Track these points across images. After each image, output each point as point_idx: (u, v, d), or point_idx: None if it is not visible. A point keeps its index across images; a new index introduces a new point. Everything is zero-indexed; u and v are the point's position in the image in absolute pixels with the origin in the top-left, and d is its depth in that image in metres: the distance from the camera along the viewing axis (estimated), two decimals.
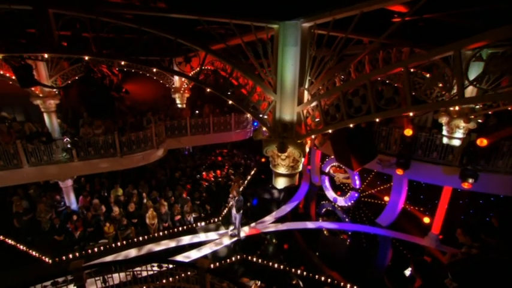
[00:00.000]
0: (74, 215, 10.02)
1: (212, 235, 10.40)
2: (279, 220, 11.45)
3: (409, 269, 3.52)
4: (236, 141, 15.59)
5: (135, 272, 4.42)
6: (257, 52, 5.37)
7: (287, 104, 5.58)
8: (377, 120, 4.60)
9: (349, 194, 12.31)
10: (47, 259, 8.86)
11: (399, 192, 10.46)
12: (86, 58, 6.00)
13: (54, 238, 9.64)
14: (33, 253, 9.02)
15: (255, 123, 14.90)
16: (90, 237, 9.99)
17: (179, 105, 13.33)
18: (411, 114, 4.28)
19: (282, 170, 5.89)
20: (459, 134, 7.94)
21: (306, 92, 5.53)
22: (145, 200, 11.25)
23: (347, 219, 11.77)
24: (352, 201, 12.22)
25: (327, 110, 5.11)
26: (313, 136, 5.69)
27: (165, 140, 11.96)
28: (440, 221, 9.42)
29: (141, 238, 10.15)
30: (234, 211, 9.92)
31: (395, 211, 10.71)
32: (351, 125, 4.80)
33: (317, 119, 5.42)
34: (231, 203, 9.81)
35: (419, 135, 8.19)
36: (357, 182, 11.84)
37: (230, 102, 6.11)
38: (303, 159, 5.82)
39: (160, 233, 10.49)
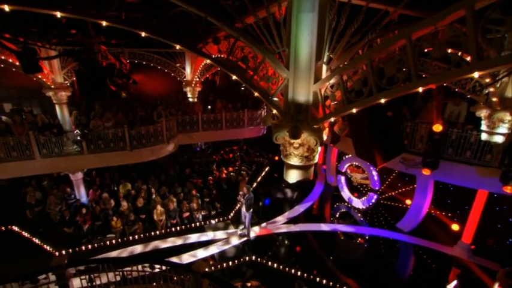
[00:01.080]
0: (83, 208, 9.83)
1: (221, 234, 9.86)
2: (292, 221, 10.70)
3: (453, 284, 2.75)
4: (249, 138, 15.16)
5: (124, 273, 3.94)
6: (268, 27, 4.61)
7: (302, 82, 4.65)
8: (420, 90, 3.42)
9: (367, 195, 11.36)
10: (54, 251, 8.68)
11: (424, 195, 9.43)
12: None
13: (63, 230, 9.49)
14: (43, 245, 8.87)
15: None
16: (98, 231, 9.76)
17: (190, 99, 12.92)
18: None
19: (294, 160, 4.94)
20: (503, 129, 6.82)
21: (324, 67, 4.59)
22: (154, 196, 10.91)
23: (364, 223, 10.84)
24: (371, 204, 11.26)
25: (350, 86, 4.22)
26: (332, 119, 4.73)
27: (176, 135, 11.63)
28: (473, 230, 8.32)
29: (147, 234, 9.78)
30: (243, 209, 9.32)
31: (419, 216, 9.67)
32: (382, 101, 3.78)
33: (337, 101, 4.53)
34: (241, 200, 9.18)
35: (450, 131, 7.20)
36: (377, 183, 10.88)
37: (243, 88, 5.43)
38: (319, 149, 4.93)
39: (168, 230, 10.06)
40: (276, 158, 15.10)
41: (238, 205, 10.76)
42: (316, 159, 5.10)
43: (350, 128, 4.93)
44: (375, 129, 4.42)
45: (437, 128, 6.98)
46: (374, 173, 10.92)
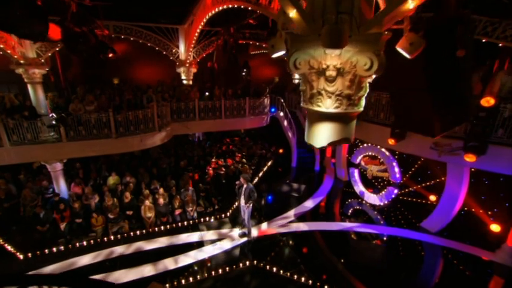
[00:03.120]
0: (61, 204, 8.38)
1: (217, 234, 8.37)
2: (298, 219, 9.17)
3: None
4: (251, 129, 14.05)
5: None
6: None
7: None
8: None
9: (385, 190, 9.73)
10: (19, 254, 7.22)
11: (457, 189, 7.78)
12: None
13: (36, 229, 8.05)
14: (5, 245, 7.44)
15: (273, 109, 12.97)
16: (79, 230, 8.31)
17: (185, 81, 11.44)
18: None
19: (327, 105, 2.80)
20: None
21: None
22: (143, 190, 9.44)
23: (381, 221, 9.23)
24: (390, 199, 9.64)
25: None
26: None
27: (169, 123, 10.30)
28: None
29: (132, 234, 8.30)
30: (242, 203, 7.81)
31: (449, 213, 8.03)
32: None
33: None
34: (241, 192, 7.67)
35: (502, 108, 5.59)
36: (397, 176, 9.25)
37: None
38: (369, 80, 2.84)
39: (157, 229, 8.58)
40: (280, 150, 13.76)
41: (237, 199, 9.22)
42: (363, 103, 2.95)
43: (395, 79, 3.26)
44: (439, 78, 2.77)
45: (488, 102, 5.35)
46: (394, 163, 9.29)
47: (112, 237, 8.07)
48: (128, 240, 8.03)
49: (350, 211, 10.00)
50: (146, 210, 8.79)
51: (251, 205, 7.82)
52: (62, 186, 9.11)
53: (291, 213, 9.53)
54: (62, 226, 8.08)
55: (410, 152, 7.34)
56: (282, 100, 13.52)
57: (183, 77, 11.44)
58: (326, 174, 12.40)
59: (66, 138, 8.34)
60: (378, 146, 9.66)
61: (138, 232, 8.36)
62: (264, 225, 8.85)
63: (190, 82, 11.52)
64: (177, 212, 9.12)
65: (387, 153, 9.44)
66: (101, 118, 8.65)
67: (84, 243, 7.79)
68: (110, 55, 6.51)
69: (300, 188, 11.16)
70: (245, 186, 7.64)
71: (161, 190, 9.26)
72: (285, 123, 13.46)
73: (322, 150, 12.98)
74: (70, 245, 7.67)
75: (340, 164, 11.90)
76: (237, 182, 7.76)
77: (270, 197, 10.85)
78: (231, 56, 8.52)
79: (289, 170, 13.07)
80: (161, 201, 8.93)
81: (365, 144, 10.22)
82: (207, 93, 11.74)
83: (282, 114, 13.56)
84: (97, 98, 8.94)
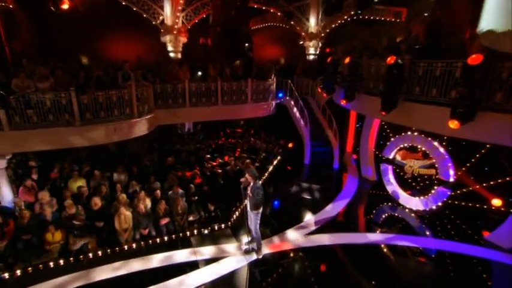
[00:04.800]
0: None
1: (216, 250, 6.84)
2: (319, 230, 7.74)
3: None
4: (253, 119, 12.77)
5: None
6: None
7: None
8: None
9: (433, 192, 8.26)
10: None
11: None
12: None
13: None
14: None
15: (280, 94, 12.05)
16: (27, 249, 6.58)
17: (172, 54, 9.91)
18: None
19: None
20: None
21: None
22: (118, 194, 7.82)
23: (427, 232, 7.80)
24: (440, 203, 8.18)
25: None
26: None
27: (152, 110, 8.98)
28: None
29: (100, 253, 6.66)
30: (248, 207, 6.41)
31: None
32: None
33: None
34: (247, 193, 6.27)
35: None
36: (451, 172, 7.78)
37: None
38: None
39: (135, 245, 6.97)
40: (290, 145, 12.36)
41: (242, 204, 7.76)
42: None
43: None
44: None
45: None
46: (446, 156, 7.84)
47: (73, 259, 6.40)
48: (95, 261, 6.40)
49: (383, 219, 8.58)
50: (121, 221, 7.19)
51: (260, 210, 6.31)
52: (4, 191, 7.37)
53: (309, 222, 8.09)
54: (2, 245, 6.36)
55: (481, 139, 5.90)
56: (292, 85, 12.38)
57: (170, 48, 9.90)
58: (348, 173, 11.17)
59: (9, 126, 6.70)
60: (422, 135, 8.20)
61: (109, 250, 6.73)
62: (276, 238, 7.39)
63: (179, 55, 9.96)
64: (163, 221, 7.58)
65: (435, 143, 7.99)
66: (60, 99, 7.07)
67: (30, 268, 6.10)
68: (63, 5, 4.92)
69: (317, 191, 9.88)
70: (252, 184, 6.17)
71: (142, 194, 7.68)
72: (295, 111, 12.25)
73: (342, 144, 11.75)
74: (7, 273, 5.96)
75: (365, 160, 10.57)
76: (242, 180, 6.31)
77: (276, 202, 9.44)
78: (232, 13, 7.05)
79: (301, 168, 11.90)
80: (142, 207, 7.39)
81: (404, 134, 8.75)
82: (199, 73, 10.28)
83: (291, 100, 12.41)
84: (53, 73, 7.29)
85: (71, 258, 6.40)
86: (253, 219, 6.45)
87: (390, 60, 6.52)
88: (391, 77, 6.67)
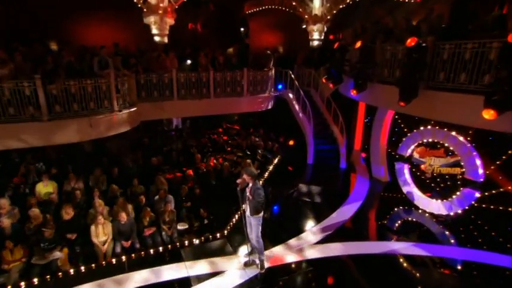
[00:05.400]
0: None
1: (210, 264, 6.27)
2: (327, 238, 7.26)
3: None
4: (250, 114, 12.50)
5: None
6: None
7: None
8: None
9: (458, 193, 7.80)
10: None
11: None
12: None
13: None
14: None
15: (280, 86, 11.81)
16: None
17: (157, 39, 9.32)
18: None
19: None
20: None
21: None
22: (95, 200, 7.15)
23: (451, 240, 7.38)
24: (466, 207, 7.73)
25: None
26: None
27: (136, 103, 8.44)
28: None
29: (73, 270, 5.97)
30: (247, 212, 5.86)
31: None
32: None
33: None
34: (245, 196, 5.75)
35: None
36: (479, 171, 7.30)
37: None
38: None
39: (115, 260, 6.31)
40: (291, 142, 12.09)
41: (240, 208, 7.19)
42: None
43: None
44: None
45: None
46: (474, 153, 7.38)
47: (36, 280, 5.67)
48: (66, 281, 5.70)
49: (399, 225, 8.15)
50: (99, 231, 6.55)
51: (261, 215, 5.82)
52: None
53: (316, 230, 7.58)
54: None
55: None
56: (292, 75, 11.97)
57: (154, 31, 9.22)
58: (356, 173, 10.80)
59: None
60: (445, 129, 7.75)
61: (83, 267, 6.05)
62: (279, 249, 6.84)
63: (165, 40, 9.35)
64: (148, 231, 6.99)
65: (461, 138, 7.53)
66: (23, 89, 6.34)
67: None
68: None
69: (322, 194, 9.40)
70: (250, 185, 5.67)
71: (120, 200, 7.05)
72: (296, 105, 11.89)
73: (349, 141, 11.44)
74: None
75: (377, 159, 10.13)
76: (239, 181, 5.79)
77: (276, 207, 8.98)
78: None
79: (304, 168, 11.55)
80: (123, 216, 6.74)
81: (422, 127, 8.29)
82: (188, 62, 9.74)
83: (291, 93, 12.09)
84: (13, 58, 6.59)
85: (35, 279, 5.66)
86: (254, 226, 5.93)
87: (411, 42, 6.05)
88: (411, 62, 6.17)
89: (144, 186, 8.01)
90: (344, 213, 8.37)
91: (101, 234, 6.55)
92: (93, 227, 6.54)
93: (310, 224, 7.86)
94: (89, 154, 9.59)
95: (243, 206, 5.92)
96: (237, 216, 7.62)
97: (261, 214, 5.83)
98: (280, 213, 8.71)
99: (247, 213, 5.86)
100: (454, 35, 5.97)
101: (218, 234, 7.24)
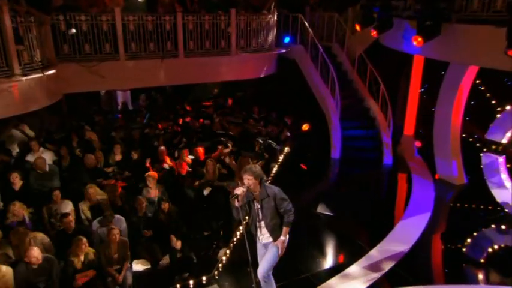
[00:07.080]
0: None
1: None
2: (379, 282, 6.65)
3: None
4: (238, 83, 13.09)
5: None
6: None
7: None
8: None
9: None
10: None
11: None
12: None
13: None
14: None
15: (286, 39, 12.40)
16: None
17: None
18: None
19: None
20: None
21: None
22: None
23: None
24: None
25: None
26: None
27: (53, 63, 8.34)
28: None
29: None
30: (262, 239, 5.53)
31: None
32: None
33: None
34: (255, 210, 5.48)
35: None
36: None
37: None
38: None
39: None
40: (304, 126, 12.30)
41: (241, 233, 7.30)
42: None
43: None
44: None
45: None
46: None
47: None
48: None
49: (495, 257, 7.60)
50: None
51: (278, 247, 5.39)
52: None
53: (359, 268, 6.94)
54: None
55: None
56: (306, 23, 11.98)
57: None
58: (408, 172, 10.69)
59: None
60: None
61: None
62: None
63: None
64: (81, 280, 6.22)
65: None
66: None
67: None
68: None
69: (358, 207, 9.14)
70: (257, 193, 5.25)
71: (21, 229, 6.39)
72: (312, 69, 11.80)
73: (396, 123, 11.46)
74: None
75: (445, 149, 9.76)
76: (237, 191, 5.20)
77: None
78: None
79: (326, 166, 11.63)
80: (34, 255, 5.78)
81: None
82: None
83: (304, 50, 12.01)
84: None
85: None
86: (270, 257, 5.44)
87: None
88: None
89: (72, 201, 7.54)
90: (401, 237, 7.87)
91: None
92: None
93: (346, 257, 7.37)
94: None
95: (241, 228, 5.89)
96: (231, 245, 7.30)
97: (278, 246, 5.36)
98: (297, 239, 8.10)
99: (263, 239, 5.46)
100: None
101: (204, 278, 6.70)
